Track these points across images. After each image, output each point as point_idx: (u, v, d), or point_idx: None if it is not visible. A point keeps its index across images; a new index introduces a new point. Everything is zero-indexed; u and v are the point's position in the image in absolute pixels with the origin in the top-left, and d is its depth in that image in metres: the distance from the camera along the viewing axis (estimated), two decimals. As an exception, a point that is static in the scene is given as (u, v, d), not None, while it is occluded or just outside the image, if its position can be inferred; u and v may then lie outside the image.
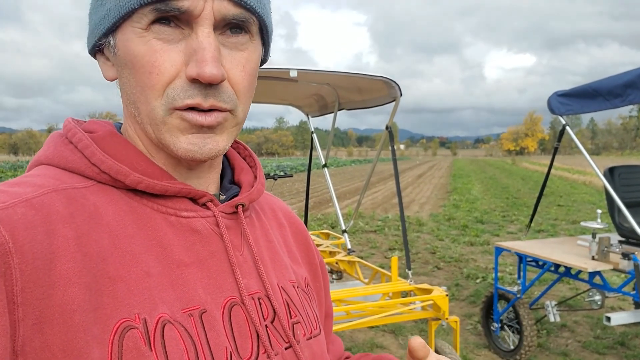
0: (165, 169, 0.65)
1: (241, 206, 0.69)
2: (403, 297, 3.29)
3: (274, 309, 0.67)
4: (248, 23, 0.60)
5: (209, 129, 0.60)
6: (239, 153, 0.80)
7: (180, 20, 0.57)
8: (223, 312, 0.61)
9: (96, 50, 0.65)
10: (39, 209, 0.54)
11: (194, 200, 0.66)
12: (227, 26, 0.59)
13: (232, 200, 0.69)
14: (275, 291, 0.69)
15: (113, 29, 0.60)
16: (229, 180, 0.75)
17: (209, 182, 0.70)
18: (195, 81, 0.57)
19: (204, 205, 0.66)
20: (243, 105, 0.63)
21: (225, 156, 0.78)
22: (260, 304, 0.66)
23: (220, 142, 0.61)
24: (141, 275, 0.56)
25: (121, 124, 0.70)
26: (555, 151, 4.73)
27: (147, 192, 0.62)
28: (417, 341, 0.66)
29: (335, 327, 2.88)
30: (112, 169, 0.60)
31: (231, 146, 0.79)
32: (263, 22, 0.63)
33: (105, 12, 0.60)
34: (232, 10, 0.58)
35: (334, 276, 4.60)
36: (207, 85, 0.57)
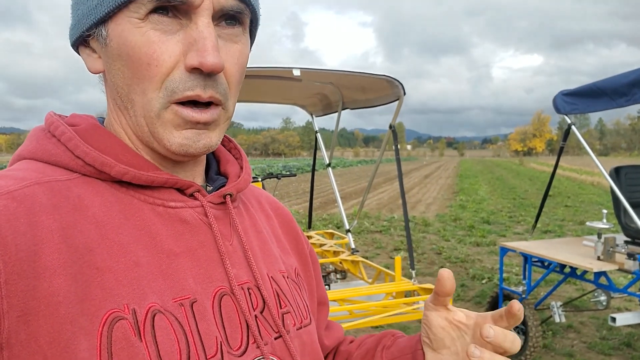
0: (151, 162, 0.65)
1: (229, 196, 0.69)
2: (406, 296, 3.28)
3: (263, 299, 0.67)
4: (243, 15, 0.61)
5: (204, 125, 0.60)
6: (223, 145, 0.80)
7: (178, 10, 0.57)
8: (213, 302, 0.61)
9: (80, 42, 0.64)
10: (21, 201, 0.53)
11: (180, 191, 0.65)
12: (223, 17, 0.60)
13: (220, 190, 0.69)
14: (265, 281, 0.69)
15: (105, 19, 0.59)
16: (215, 172, 0.75)
17: (194, 175, 0.69)
18: (194, 71, 0.57)
19: (191, 195, 0.66)
20: (233, 99, 0.63)
21: None
22: (250, 294, 0.66)
23: (213, 138, 0.62)
24: (130, 266, 0.56)
25: (104, 118, 0.69)
26: (561, 151, 4.70)
27: (133, 184, 0.61)
28: (446, 272, 0.66)
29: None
30: (96, 160, 0.59)
31: None
32: (255, 15, 0.64)
33: (97, 2, 0.59)
34: (230, 2, 0.58)
35: (337, 276, 4.59)
36: (206, 75, 0.57)
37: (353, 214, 12.15)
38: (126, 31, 0.57)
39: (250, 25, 0.65)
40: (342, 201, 4.64)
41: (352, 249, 4.20)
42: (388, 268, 3.82)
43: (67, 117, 0.67)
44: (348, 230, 4.37)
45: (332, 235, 5.34)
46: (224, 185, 0.72)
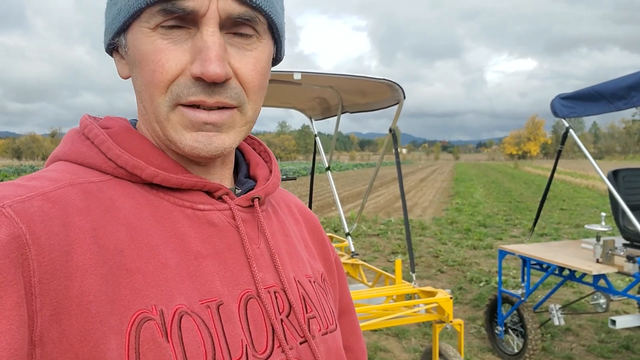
0: None
1: (257, 199, 0.69)
2: (407, 300, 3.29)
3: (289, 303, 0.67)
4: (254, 22, 0.60)
5: (214, 126, 0.60)
6: (253, 149, 0.80)
7: (186, 20, 0.57)
8: (239, 305, 0.61)
9: (112, 48, 0.66)
10: (55, 202, 0.54)
11: (209, 193, 0.66)
12: (234, 26, 0.59)
13: (248, 193, 0.69)
14: (291, 285, 0.69)
15: (124, 29, 0.61)
16: (245, 175, 0.75)
17: (223, 178, 0.70)
18: (199, 79, 0.57)
19: (219, 198, 0.66)
20: (253, 104, 0.63)
21: (241, 152, 0.78)
22: (276, 297, 0.66)
23: (226, 141, 0.62)
24: (158, 267, 0.57)
25: (137, 120, 0.70)
26: (559, 154, 4.72)
27: (163, 186, 0.63)
28: None
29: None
30: (128, 163, 0.61)
31: (246, 142, 0.81)
32: (272, 21, 0.63)
33: (116, 12, 0.61)
34: (237, 9, 0.58)
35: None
36: (211, 83, 0.58)
37: (350, 217, 12.15)
38: (138, 40, 0.59)
39: (272, 31, 0.65)
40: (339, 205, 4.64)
41: (352, 252, 4.20)
42: (386, 271, 3.82)
43: (101, 119, 0.68)
44: (348, 234, 4.37)
45: (331, 239, 5.34)
46: (252, 189, 0.72)
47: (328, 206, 15.62)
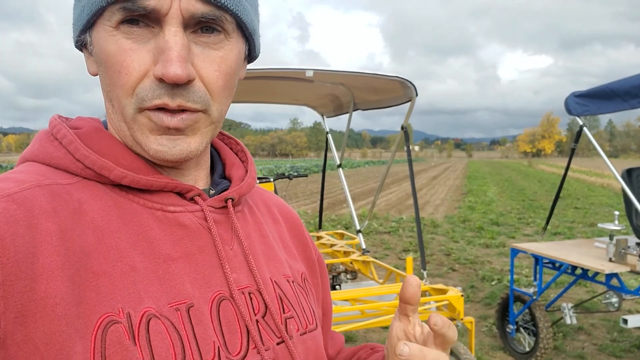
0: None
1: (230, 200, 0.68)
2: (417, 297, 3.29)
3: (265, 304, 0.66)
4: (220, 21, 0.59)
5: (177, 130, 0.59)
6: (230, 148, 0.79)
7: (149, 19, 0.56)
8: (211, 307, 0.60)
9: (80, 44, 0.65)
10: (20, 204, 0.53)
11: (181, 194, 0.65)
12: (199, 25, 0.58)
13: (221, 194, 0.68)
14: (267, 285, 0.68)
15: (88, 26, 0.60)
16: (219, 175, 0.74)
17: (196, 179, 0.69)
18: (163, 80, 0.56)
19: (191, 199, 0.65)
20: (218, 105, 0.62)
21: (217, 151, 0.77)
22: (251, 298, 0.65)
23: (192, 143, 0.61)
24: (126, 270, 0.56)
25: None
26: (573, 152, 4.69)
27: (133, 187, 0.61)
28: (413, 278, 0.63)
29: (349, 327, 2.89)
30: (95, 164, 0.59)
31: (223, 141, 0.79)
32: (240, 19, 0.61)
33: (81, 9, 0.60)
34: (200, 9, 0.56)
35: (348, 276, 4.61)
36: (173, 85, 0.56)
37: (362, 214, 12.15)
38: (102, 39, 0.58)
39: (244, 32, 0.64)
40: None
41: (363, 249, 4.21)
42: (397, 269, 3.83)
43: (72, 119, 0.67)
44: (359, 231, 4.39)
45: (342, 236, 5.36)
46: (227, 189, 0.71)
47: (339, 203, 15.63)
